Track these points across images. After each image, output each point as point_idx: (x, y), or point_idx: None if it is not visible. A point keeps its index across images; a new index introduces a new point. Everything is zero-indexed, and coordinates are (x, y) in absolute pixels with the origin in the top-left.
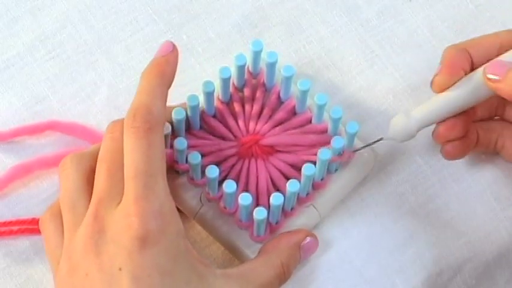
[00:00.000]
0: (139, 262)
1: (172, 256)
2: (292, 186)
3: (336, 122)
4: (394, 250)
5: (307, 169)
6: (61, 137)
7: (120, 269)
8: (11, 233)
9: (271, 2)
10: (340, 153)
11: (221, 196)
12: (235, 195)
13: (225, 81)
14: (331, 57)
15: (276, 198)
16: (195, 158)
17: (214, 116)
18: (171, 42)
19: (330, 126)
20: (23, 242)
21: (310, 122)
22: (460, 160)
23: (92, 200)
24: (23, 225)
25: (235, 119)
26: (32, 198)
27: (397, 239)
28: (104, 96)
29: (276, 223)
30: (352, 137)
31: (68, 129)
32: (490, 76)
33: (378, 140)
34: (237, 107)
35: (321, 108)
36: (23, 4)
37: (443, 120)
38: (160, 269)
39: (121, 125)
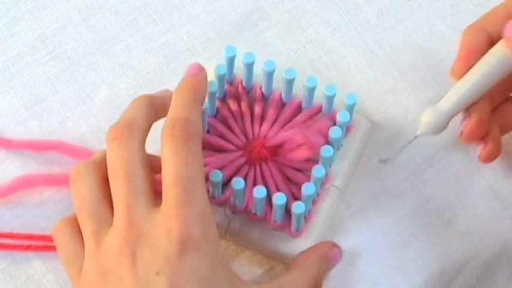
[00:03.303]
0: (179, 267)
1: (211, 263)
2: (318, 172)
3: (350, 108)
4: (395, 249)
5: (325, 151)
6: None
7: (157, 274)
8: (21, 247)
9: (271, 1)
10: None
11: (246, 205)
12: (264, 200)
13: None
14: (330, 57)
15: (307, 189)
16: (216, 176)
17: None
18: (198, 63)
19: (338, 116)
20: (23, 242)
21: (315, 114)
22: (460, 159)
23: (117, 206)
24: (36, 240)
25: (239, 126)
26: (36, 204)
27: (397, 238)
28: (104, 96)
29: (308, 213)
30: (351, 108)
31: (71, 151)
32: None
33: (412, 140)
34: (233, 122)
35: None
36: (23, 4)
37: (468, 114)
38: (200, 276)
39: (124, 128)
